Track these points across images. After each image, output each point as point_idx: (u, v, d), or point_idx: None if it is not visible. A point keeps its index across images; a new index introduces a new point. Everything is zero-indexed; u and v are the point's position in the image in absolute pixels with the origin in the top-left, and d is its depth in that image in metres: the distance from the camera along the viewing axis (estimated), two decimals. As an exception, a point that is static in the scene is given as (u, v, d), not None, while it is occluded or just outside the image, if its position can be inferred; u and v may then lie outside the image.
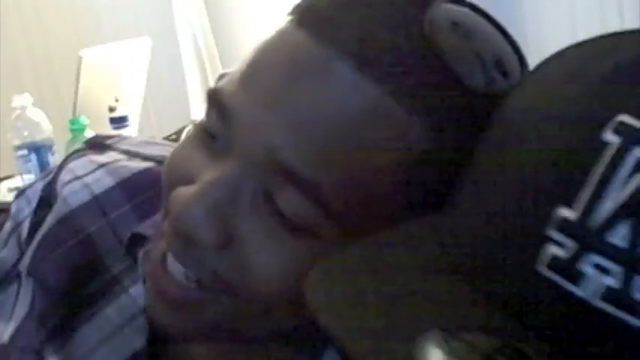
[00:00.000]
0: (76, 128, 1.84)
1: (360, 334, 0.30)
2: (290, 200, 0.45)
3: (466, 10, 0.48)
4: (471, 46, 0.47)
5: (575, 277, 0.28)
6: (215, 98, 0.48)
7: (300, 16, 0.48)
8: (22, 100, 1.95)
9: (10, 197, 1.88)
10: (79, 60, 2.02)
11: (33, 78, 2.24)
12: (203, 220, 0.46)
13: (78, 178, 0.65)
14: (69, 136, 1.88)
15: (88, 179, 0.65)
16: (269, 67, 0.47)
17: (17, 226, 0.67)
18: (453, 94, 0.45)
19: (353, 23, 0.46)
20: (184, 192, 0.47)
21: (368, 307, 0.32)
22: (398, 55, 0.45)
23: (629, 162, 0.27)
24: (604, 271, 0.27)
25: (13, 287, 0.64)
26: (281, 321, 0.50)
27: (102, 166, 0.66)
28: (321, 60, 0.46)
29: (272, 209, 0.46)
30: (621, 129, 0.28)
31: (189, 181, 0.48)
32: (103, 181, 0.63)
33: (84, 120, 1.86)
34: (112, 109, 2.07)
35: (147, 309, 0.52)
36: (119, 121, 2.03)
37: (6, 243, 0.66)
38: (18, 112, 1.96)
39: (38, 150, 1.89)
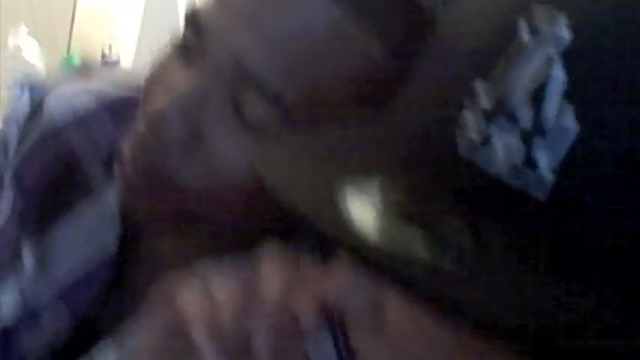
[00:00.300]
0: (70, 66, 1.86)
1: (297, 191, 0.35)
2: (254, 106, 0.50)
3: None
4: None
5: (488, 153, 0.31)
6: (192, 17, 0.52)
7: None
8: (18, 40, 1.97)
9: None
10: (74, 1, 2.04)
11: (30, 16, 2.26)
12: (174, 119, 0.51)
13: (64, 99, 0.69)
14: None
15: (74, 101, 0.69)
16: None
17: (4, 143, 0.70)
18: (411, 17, 0.49)
19: None
20: (160, 96, 0.51)
21: (307, 169, 0.37)
22: None
23: (537, 52, 0.31)
24: (509, 144, 0.31)
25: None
26: (238, 217, 0.54)
27: (88, 90, 0.69)
28: None
29: (237, 114, 0.51)
30: (532, 17, 0.32)
31: (164, 88, 0.52)
32: (87, 104, 0.67)
33: (76, 59, 1.88)
34: (104, 55, 2.09)
35: (120, 202, 0.56)
36: (111, 66, 2.05)
37: None
38: (12, 52, 1.98)
39: (32, 90, 1.91)
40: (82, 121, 0.66)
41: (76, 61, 1.89)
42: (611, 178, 0.30)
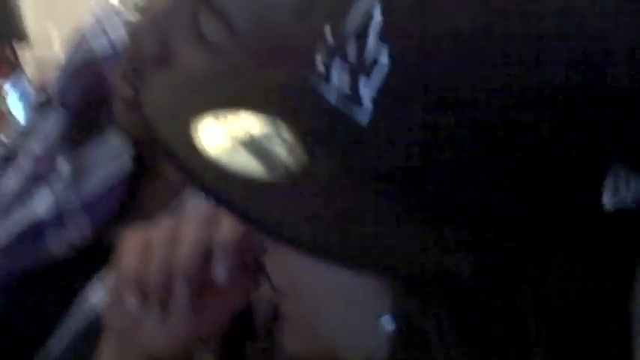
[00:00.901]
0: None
1: (162, 111, 0.39)
2: (208, 21, 0.60)
3: None
4: None
5: (326, 83, 0.37)
6: None
7: None
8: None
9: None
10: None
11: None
12: (147, 31, 0.63)
13: (105, 30, 0.79)
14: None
15: (112, 32, 0.78)
16: None
17: (62, 67, 0.82)
18: None
19: None
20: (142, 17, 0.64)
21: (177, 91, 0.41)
22: None
23: None
24: (341, 76, 0.36)
25: (49, 111, 0.79)
26: None
27: (128, 23, 0.79)
28: None
29: (196, 29, 0.61)
30: None
31: (147, 11, 0.65)
32: (124, 37, 0.76)
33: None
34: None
35: (120, 120, 0.66)
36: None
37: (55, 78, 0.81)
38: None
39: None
40: (117, 53, 0.76)
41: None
42: (420, 108, 0.34)
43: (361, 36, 0.35)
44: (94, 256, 0.67)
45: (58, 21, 2.06)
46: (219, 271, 0.48)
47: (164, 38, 0.62)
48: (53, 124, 0.77)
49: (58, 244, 0.71)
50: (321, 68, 0.37)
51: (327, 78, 0.37)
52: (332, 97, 0.36)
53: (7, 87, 1.24)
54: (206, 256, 0.49)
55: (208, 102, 0.39)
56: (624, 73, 0.34)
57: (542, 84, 0.33)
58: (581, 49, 0.33)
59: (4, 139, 0.87)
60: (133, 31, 0.64)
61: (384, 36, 0.35)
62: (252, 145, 0.36)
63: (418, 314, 0.36)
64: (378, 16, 0.35)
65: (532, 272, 0.35)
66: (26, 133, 0.82)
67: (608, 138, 0.34)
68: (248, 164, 0.35)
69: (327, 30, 0.37)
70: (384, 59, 0.35)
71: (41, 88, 0.90)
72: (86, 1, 2.06)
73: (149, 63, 0.62)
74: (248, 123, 0.37)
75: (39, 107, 0.82)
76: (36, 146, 0.78)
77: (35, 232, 0.72)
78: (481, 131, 0.34)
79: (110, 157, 0.73)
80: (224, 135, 0.37)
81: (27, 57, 1.81)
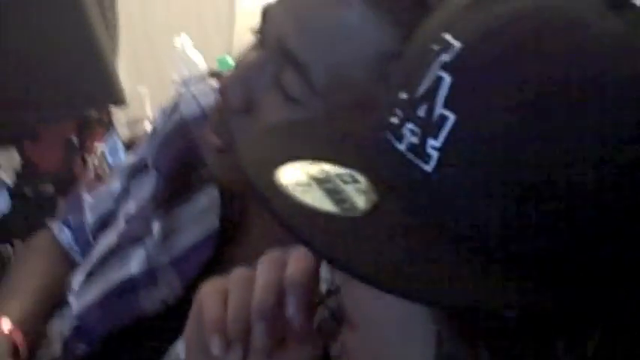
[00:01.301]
0: (223, 65, 2.05)
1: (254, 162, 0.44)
2: (291, 78, 0.63)
3: None
4: None
5: (399, 136, 0.41)
6: (263, 10, 0.68)
7: None
8: (183, 41, 2.19)
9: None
10: (233, 5, 2.22)
11: (192, 20, 2.47)
12: (236, 84, 0.66)
13: (194, 96, 0.83)
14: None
15: (202, 97, 0.83)
16: None
17: (153, 131, 0.86)
18: (417, 7, 0.59)
19: None
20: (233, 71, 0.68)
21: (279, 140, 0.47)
22: None
23: (436, 64, 0.40)
24: (412, 129, 0.41)
25: (144, 176, 0.84)
26: None
27: (214, 88, 0.83)
28: None
29: (279, 85, 0.65)
30: (442, 42, 0.41)
31: (238, 66, 0.68)
32: (211, 99, 0.80)
33: (229, 59, 2.06)
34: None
35: (211, 169, 0.70)
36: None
37: (147, 141, 0.86)
38: (179, 51, 2.19)
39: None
40: (205, 116, 0.80)
41: (229, 60, 2.06)
42: (482, 160, 0.38)
43: (431, 98, 0.40)
44: (182, 311, 0.70)
45: (148, 84, 2.17)
46: (292, 308, 0.52)
47: (250, 91, 0.65)
48: (147, 186, 0.82)
49: (151, 301, 0.74)
50: (394, 122, 0.42)
51: (399, 132, 0.42)
52: (402, 146, 0.41)
53: (103, 148, 1.31)
54: (280, 297, 0.52)
55: (290, 152, 0.44)
56: None
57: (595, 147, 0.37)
58: None
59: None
60: (223, 83, 0.68)
61: (451, 98, 0.39)
62: (328, 185, 0.41)
63: (463, 354, 0.39)
64: (447, 81, 0.40)
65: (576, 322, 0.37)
66: (122, 194, 0.87)
67: None
68: (322, 202, 0.40)
69: (403, 95, 0.42)
70: (451, 116, 0.39)
71: (133, 148, 0.95)
72: (174, 66, 2.17)
73: (235, 114, 0.66)
74: (326, 167, 0.43)
75: (134, 171, 0.87)
76: (131, 207, 0.83)
77: (128, 288, 0.76)
78: (539, 187, 0.37)
79: (199, 216, 0.76)
80: (303, 175, 0.42)
81: (120, 117, 1.91)
